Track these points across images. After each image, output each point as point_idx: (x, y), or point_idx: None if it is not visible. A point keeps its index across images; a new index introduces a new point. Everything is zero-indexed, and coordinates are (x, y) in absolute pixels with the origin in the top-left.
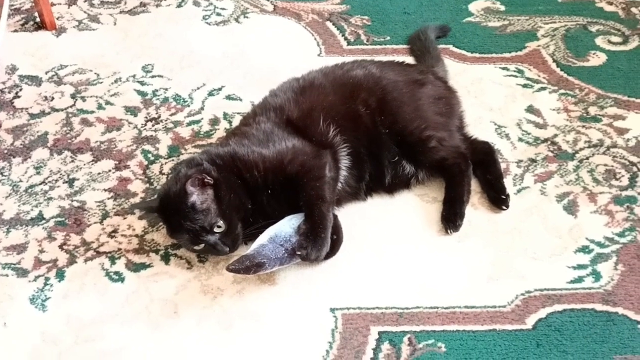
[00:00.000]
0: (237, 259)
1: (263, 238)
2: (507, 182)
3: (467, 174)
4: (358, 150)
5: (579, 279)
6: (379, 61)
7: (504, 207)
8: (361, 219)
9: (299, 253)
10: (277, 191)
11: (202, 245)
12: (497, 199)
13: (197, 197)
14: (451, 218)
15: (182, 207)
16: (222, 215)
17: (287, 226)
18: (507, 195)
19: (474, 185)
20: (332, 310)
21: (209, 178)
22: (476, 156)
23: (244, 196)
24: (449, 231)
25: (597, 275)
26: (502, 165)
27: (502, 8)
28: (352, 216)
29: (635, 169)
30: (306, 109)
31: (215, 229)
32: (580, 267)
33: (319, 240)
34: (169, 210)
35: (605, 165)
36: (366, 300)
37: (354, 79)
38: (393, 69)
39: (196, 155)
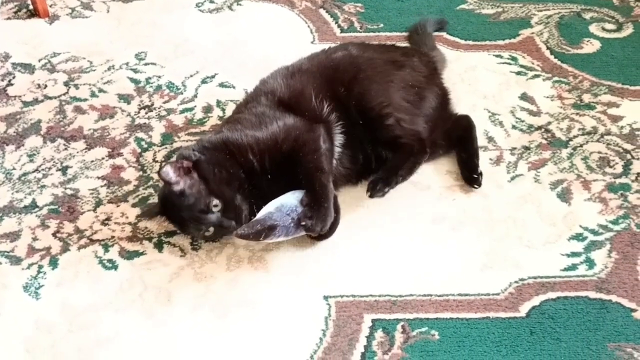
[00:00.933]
0: (247, 224)
1: (270, 207)
2: (501, 169)
3: (416, 157)
4: (351, 130)
5: (573, 267)
6: (364, 43)
7: (475, 186)
8: (355, 207)
9: (303, 223)
10: (276, 174)
11: (211, 229)
12: (470, 178)
13: (183, 184)
14: (375, 182)
15: (175, 198)
16: (214, 192)
17: (292, 198)
18: (480, 174)
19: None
20: (326, 298)
21: (186, 162)
22: (456, 132)
23: (236, 170)
24: (368, 193)
25: (590, 263)
26: (496, 153)
27: None
28: (346, 203)
29: (629, 156)
30: (297, 89)
31: (213, 208)
32: (574, 254)
33: (322, 210)
34: (169, 207)
35: (599, 152)
36: (360, 288)
37: (334, 61)
38: (375, 49)
39: (189, 145)
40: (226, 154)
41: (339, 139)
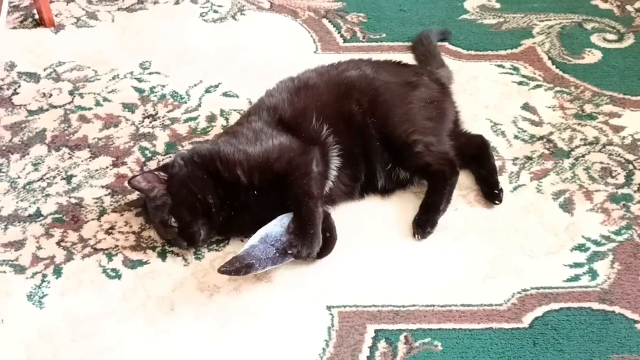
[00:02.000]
0: (228, 261)
1: (254, 239)
2: (503, 179)
3: (450, 182)
4: (351, 150)
5: (576, 278)
6: (374, 61)
7: (497, 202)
8: (357, 217)
9: (290, 252)
10: (264, 191)
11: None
12: (490, 193)
13: (155, 192)
14: (422, 224)
15: (148, 200)
16: (173, 212)
17: (278, 225)
18: (501, 190)
19: (470, 182)
20: (329, 308)
21: (163, 174)
22: (470, 150)
23: (209, 193)
24: (416, 236)
25: (593, 274)
26: (498, 163)
27: (498, 5)
28: (348, 213)
29: (631, 167)
30: (299, 108)
31: (172, 224)
32: (577, 265)
33: (308, 237)
34: (145, 205)
35: (601, 163)
36: (363, 298)
37: (348, 79)
38: (387, 69)
39: (184, 151)
40: (209, 169)
41: (335, 162)
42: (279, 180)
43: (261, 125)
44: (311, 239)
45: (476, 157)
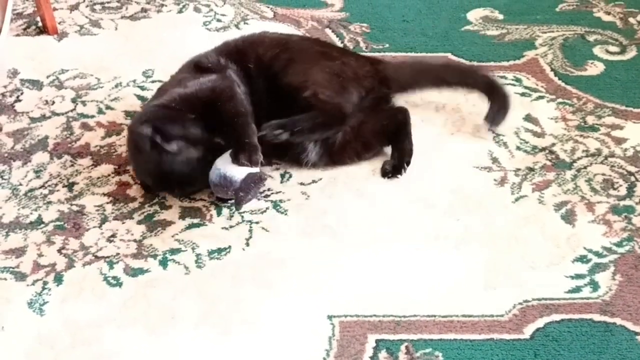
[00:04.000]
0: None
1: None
2: (505, 190)
3: (327, 118)
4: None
5: (577, 289)
6: (313, 38)
7: (384, 176)
8: (356, 227)
9: (241, 163)
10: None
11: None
12: (387, 172)
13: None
14: (284, 121)
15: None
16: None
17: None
18: (398, 174)
19: (469, 194)
20: (330, 317)
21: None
22: (390, 128)
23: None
24: (265, 130)
25: (595, 285)
26: (500, 174)
27: (501, 17)
28: (345, 223)
29: (633, 178)
30: (213, 58)
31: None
32: (578, 276)
33: (246, 147)
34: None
35: (603, 174)
36: (363, 308)
37: (261, 36)
38: (316, 42)
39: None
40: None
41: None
42: (210, 111)
43: (182, 75)
44: (250, 148)
45: (395, 134)
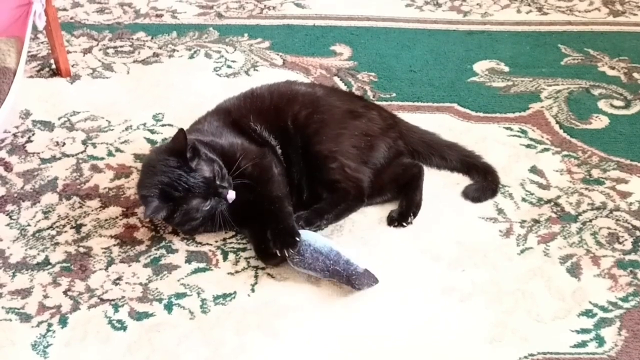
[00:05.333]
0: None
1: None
2: (510, 242)
3: (348, 202)
4: (286, 155)
5: (583, 344)
6: (332, 87)
7: (390, 224)
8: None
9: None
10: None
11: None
12: (394, 219)
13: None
14: (299, 220)
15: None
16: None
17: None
18: (406, 224)
19: (475, 245)
20: None
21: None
22: (404, 179)
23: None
24: (298, 223)
25: (600, 341)
26: (505, 225)
27: (507, 69)
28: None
29: (638, 233)
30: (244, 113)
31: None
32: (584, 331)
33: (279, 232)
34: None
35: (609, 228)
36: (369, 358)
37: (293, 92)
38: (339, 96)
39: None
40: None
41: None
42: (241, 174)
43: (220, 124)
44: (282, 234)
45: (406, 185)
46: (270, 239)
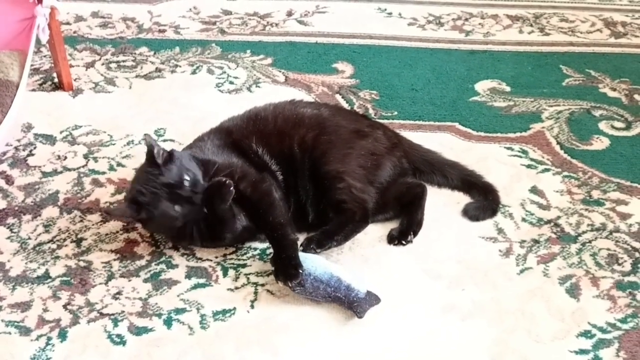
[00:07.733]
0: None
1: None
2: (510, 262)
3: (355, 224)
4: (287, 182)
5: None
6: (337, 106)
7: (390, 243)
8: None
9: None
10: None
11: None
12: (394, 238)
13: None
14: (311, 242)
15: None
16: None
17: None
18: (406, 243)
19: (475, 264)
20: None
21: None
22: (406, 198)
23: None
24: (300, 247)
25: None
26: (505, 245)
27: (508, 89)
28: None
29: (637, 254)
30: (246, 135)
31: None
32: (583, 352)
33: (280, 263)
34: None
35: (608, 249)
36: None
37: (299, 115)
38: (345, 115)
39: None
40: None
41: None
42: (240, 197)
43: (222, 143)
44: (284, 265)
45: (409, 204)
46: (272, 266)
